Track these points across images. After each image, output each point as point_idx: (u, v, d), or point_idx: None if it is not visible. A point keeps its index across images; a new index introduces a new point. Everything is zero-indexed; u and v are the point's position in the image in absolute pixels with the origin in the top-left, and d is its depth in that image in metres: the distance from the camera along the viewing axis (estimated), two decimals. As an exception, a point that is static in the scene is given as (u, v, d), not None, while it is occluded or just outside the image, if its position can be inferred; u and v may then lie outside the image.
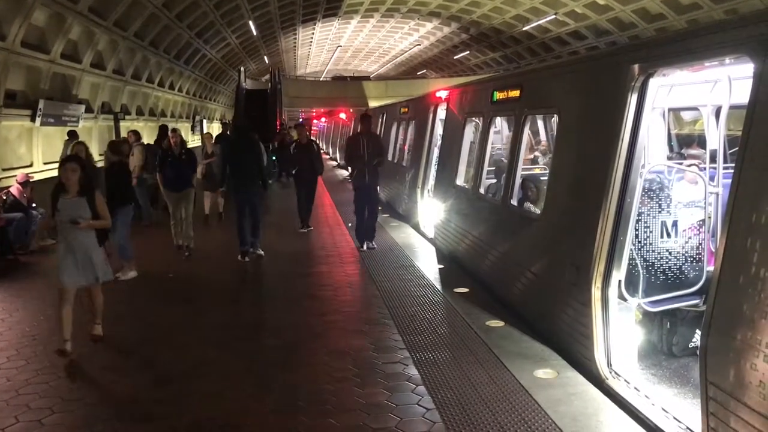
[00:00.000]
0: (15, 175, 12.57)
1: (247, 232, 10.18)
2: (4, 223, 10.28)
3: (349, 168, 12.52)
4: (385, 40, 51.49)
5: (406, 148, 15.09)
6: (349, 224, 12.32)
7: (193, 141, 35.45)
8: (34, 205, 11.61)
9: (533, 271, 6.71)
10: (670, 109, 7.30)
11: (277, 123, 27.49)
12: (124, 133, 19.73)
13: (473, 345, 6.01)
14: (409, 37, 48.66)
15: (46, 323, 7.02)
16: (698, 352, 3.89)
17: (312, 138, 17.48)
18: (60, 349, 5.89)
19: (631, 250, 5.27)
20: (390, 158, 16.69)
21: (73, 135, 15.55)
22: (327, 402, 4.95)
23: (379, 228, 12.72)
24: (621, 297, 5.18)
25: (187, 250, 10.51)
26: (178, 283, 8.96)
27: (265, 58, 44.21)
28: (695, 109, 7.33)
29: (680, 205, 5.65)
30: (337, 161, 33.85)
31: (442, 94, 11.58)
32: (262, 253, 10.31)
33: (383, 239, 11.37)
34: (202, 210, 13.60)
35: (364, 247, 10.51)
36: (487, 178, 9.22)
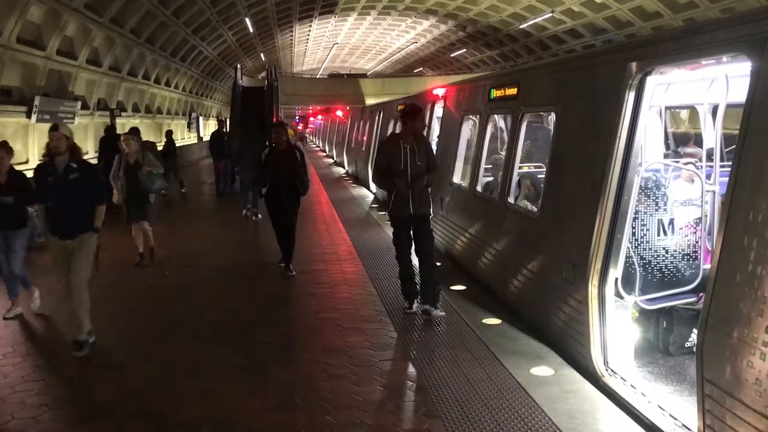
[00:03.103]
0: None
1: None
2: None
3: (380, 188, 8.58)
4: (381, 37, 51.45)
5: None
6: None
7: (190, 138, 35.47)
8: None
9: (530, 269, 6.71)
10: (667, 108, 7.30)
11: (274, 120, 27.44)
12: (120, 130, 19.71)
13: (470, 342, 6.01)
14: (406, 35, 48.63)
15: (42, 320, 7.01)
16: (695, 350, 3.90)
17: (300, 139, 16.61)
18: None
19: (627, 248, 5.27)
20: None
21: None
22: (324, 399, 4.95)
23: (375, 225, 12.71)
24: (617, 295, 5.19)
25: (79, 348, 6.02)
26: (173, 281, 8.94)
27: (262, 55, 44.14)
28: (692, 107, 7.34)
29: (677, 203, 5.66)
30: (333, 159, 33.82)
31: (439, 91, 11.56)
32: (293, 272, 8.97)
33: (380, 237, 11.35)
34: (134, 247, 9.83)
35: (413, 308, 7.05)
36: (484, 176, 9.22)
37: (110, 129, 17.80)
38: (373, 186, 18.77)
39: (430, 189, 7.31)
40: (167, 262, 9.89)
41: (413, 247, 7.10)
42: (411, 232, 7.03)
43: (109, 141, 16.94)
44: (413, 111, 6.92)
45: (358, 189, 19.79)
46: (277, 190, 8.78)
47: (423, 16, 40.50)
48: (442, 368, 5.45)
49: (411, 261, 7.15)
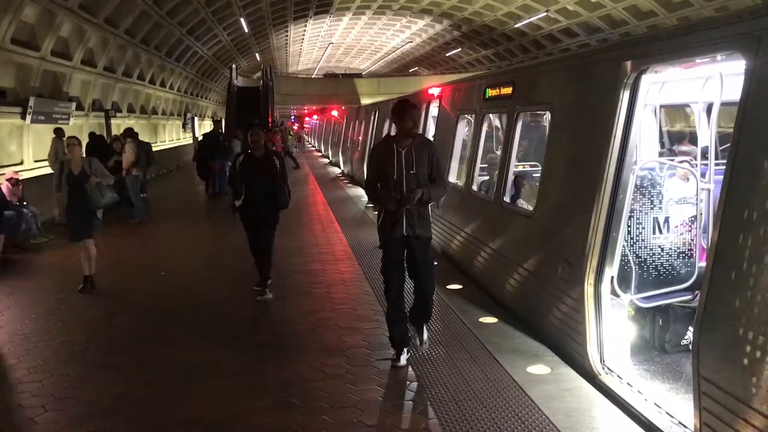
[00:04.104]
0: (3, 173, 12.52)
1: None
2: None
3: (371, 200, 6.90)
4: (376, 37, 51.46)
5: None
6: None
7: (185, 139, 35.39)
8: (25, 203, 11.58)
9: (526, 268, 6.72)
10: (661, 106, 7.33)
11: (269, 121, 27.46)
12: (115, 131, 19.70)
13: (466, 341, 6.02)
14: (401, 34, 48.65)
15: (38, 321, 6.99)
16: (691, 348, 3.91)
17: (297, 139, 16.24)
18: None
19: (623, 246, 5.29)
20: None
21: (59, 132, 15.48)
22: (321, 399, 4.94)
23: (371, 224, 12.69)
24: (613, 293, 5.20)
25: None
26: (169, 281, 8.93)
27: (257, 55, 44.10)
28: (687, 106, 7.36)
29: (672, 202, 5.68)
30: (329, 159, 33.80)
31: (435, 91, 11.56)
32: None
33: (376, 237, 11.30)
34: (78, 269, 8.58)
35: (402, 360, 5.57)
36: (479, 176, 9.23)
37: (95, 137, 17.67)
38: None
39: (433, 205, 5.81)
40: (162, 264, 9.87)
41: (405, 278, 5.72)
42: (404, 259, 5.63)
43: (93, 149, 16.91)
44: (401, 108, 5.52)
45: (354, 189, 19.77)
46: (253, 203, 7.64)
47: (418, 16, 40.51)
48: (438, 367, 5.45)
49: (402, 300, 5.70)
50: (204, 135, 21.31)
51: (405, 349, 5.62)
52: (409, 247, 5.58)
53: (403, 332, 5.65)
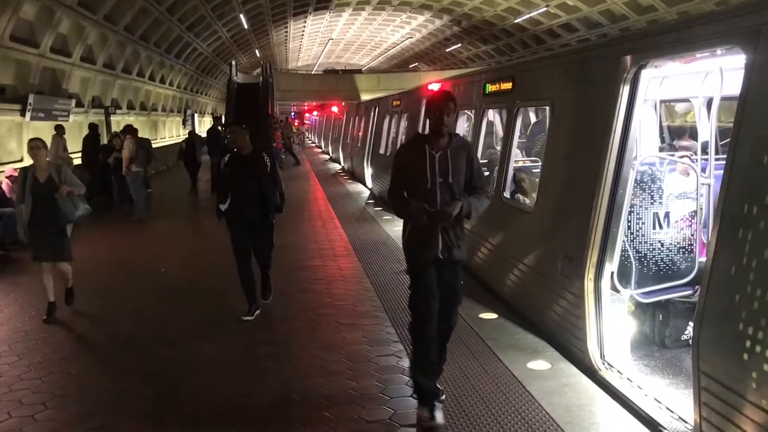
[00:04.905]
0: (3, 171, 12.52)
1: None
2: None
3: (398, 216, 4.98)
4: (376, 32, 51.36)
5: (399, 141, 15.07)
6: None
7: (185, 135, 35.37)
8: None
9: (526, 264, 6.72)
10: (661, 101, 7.32)
11: (269, 114, 27.42)
12: (115, 127, 19.68)
13: (466, 337, 6.01)
14: (401, 30, 48.55)
15: (38, 319, 6.99)
16: (691, 343, 3.91)
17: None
18: None
19: (623, 241, 5.28)
20: (383, 151, 16.69)
21: (60, 129, 15.48)
22: (321, 395, 4.94)
23: (371, 220, 12.70)
24: (613, 288, 5.20)
25: None
26: (170, 278, 8.93)
27: (257, 51, 44.05)
28: (687, 100, 7.34)
29: (672, 197, 5.67)
30: (329, 155, 33.80)
31: (435, 86, 11.55)
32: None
33: (376, 233, 11.36)
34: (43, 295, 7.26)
35: (438, 418, 4.43)
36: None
37: (94, 126, 17.63)
38: (368, 181, 18.76)
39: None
40: (163, 261, 9.86)
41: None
42: (428, 277, 4.50)
43: (92, 140, 16.91)
44: (437, 100, 4.50)
45: (354, 185, 19.77)
46: (242, 209, 6.80)
47: (418, 12, 40.43)
48: (439, 363, 5.44)
49: (435, 337, 4.55)
50: (189, 133, 21.36)
51: (437, 402, 4.52)
52: (441, 272, 4.56)
53: (433, 383, 4.57)
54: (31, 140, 7.15)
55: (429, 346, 4.49)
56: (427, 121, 4.63)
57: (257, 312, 6.92)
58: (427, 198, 4.41)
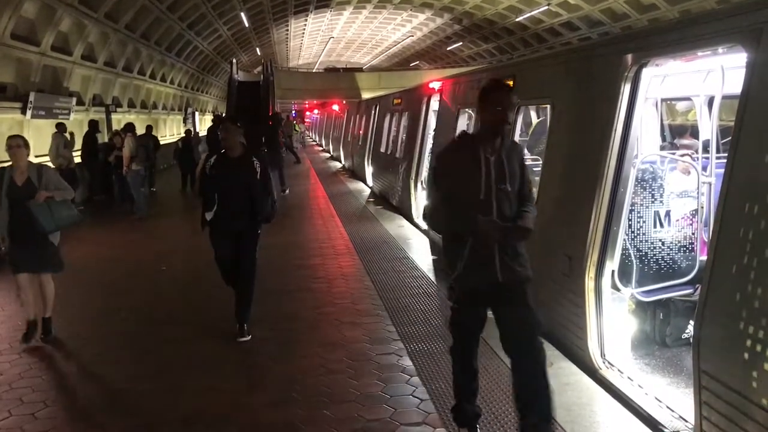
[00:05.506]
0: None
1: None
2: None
3: (438, 230, 4.30)
4: (377, 31, 51.33)
5: (400, 139, 15.07)
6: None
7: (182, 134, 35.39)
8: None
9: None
10: (663, 100, 7.30)
11: (269, 114, 27.41)
12: (116, 126, 19.69)
13: (467, 336, 6.00)
14: (402, 28, 48.52)
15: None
16: (691, 341, 3.90)
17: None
18: None
19: (624, 240, 5.28)
20: (383, 150, 16.68)
21: (61, 127, 15.48)
22: (321, 394, 4.94)
23: (371, 219, 12.70)
24: (614, 287, 5.19)
25: None
26: (170, 276, 8.93)
27: (258, 49, 44.03)
28: (688, 99, 7.34)
29: (673, 195, 5.67)
30: (330, 153, 33.79)
31: (435, 85, 11.54)
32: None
33: (377, 231, 11.35)
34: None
35: None
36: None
37: (94, 123, 17.62)
38: (369, 179, 18.73)
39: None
40: (163, 259, 9.86)
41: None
42: (487, 313, 3.98)
43: (92, 137, 16.90)
44: (492, 91, 3.86)
45: (355, 183, 19.78)
46: (228, 217, 6.14)
47: (419, 10, 40.40)
48: (439, 361, 5.44)
49: (476, 363, 4.17)
50: (186, 132, 21.42)
51: (476, 425, 4.12)
52: (497, 300, 3.83)
53: (473, 405, 4.15)
54: (9, 138, 6.23)
55: (468, 364, 4.10)
56: (483, 116, 3.84)
57: (245, 321, 6.25)
58: (480, 211, 3.67)
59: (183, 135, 21.41)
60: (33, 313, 6.27)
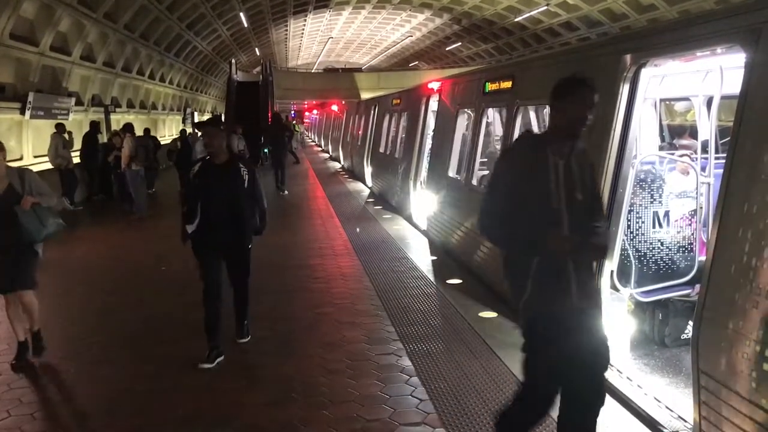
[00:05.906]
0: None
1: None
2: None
3: (498, 243, 3.66)
4: (376, 31, 51.34)
5: (399, 139, 15.07)
6: None
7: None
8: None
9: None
10: (661, 100, 7.31)
11: (269, 115, 27.41)
12: (115, 126, 19.69)
13: (466, 336, 6.01)
14: (401, 29, 48.53)
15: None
16: (690, 342, 3.90)
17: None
18: None
19: (623, 240, 5.28)
20: (383, 150, 16.69)
21: (60, 128, 15.48)
22: (320, 394, 4.94)
23: (371, 219, 12.70)
24: (613, 287, 5.19)
25: None
26: (169, 276, 8.92)
27: (257, 50, 44.04)
28: (687, 99, 7.34)
29: (672, 196, 5.67)
30: (329, 153, 33.78)
31: (434, 85, 11.55)
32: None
33: (376, 232, 11.35)
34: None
35: None
36: (479, 170, 9.21)
37: (95, 124, 17.62)
38: (368, 179, 18.74)
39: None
40: (163, 259, 9.86)
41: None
42: (562, 345, 3.30)
43: (92, 138, 16.89)
44: (570, 86, 3.47)
45: (354, 183, 19.77)
46: (212, 231, 5.56)
47: (418, 10, 40.41)
48: (438, 362, 5.45)
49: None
50: (182, 132, 21.35)
51: None
52: (574, 327, 3.28)
53: None
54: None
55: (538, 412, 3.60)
56: (558, 115, 3.44)
57: (219, 359, 5.55)
58: (549, 224, 3.19)
59: (177, 135, 21.33)
60: (22, 334, 5.71)
